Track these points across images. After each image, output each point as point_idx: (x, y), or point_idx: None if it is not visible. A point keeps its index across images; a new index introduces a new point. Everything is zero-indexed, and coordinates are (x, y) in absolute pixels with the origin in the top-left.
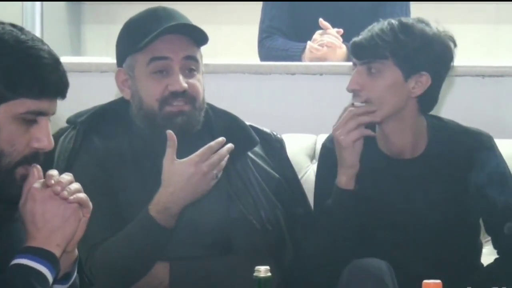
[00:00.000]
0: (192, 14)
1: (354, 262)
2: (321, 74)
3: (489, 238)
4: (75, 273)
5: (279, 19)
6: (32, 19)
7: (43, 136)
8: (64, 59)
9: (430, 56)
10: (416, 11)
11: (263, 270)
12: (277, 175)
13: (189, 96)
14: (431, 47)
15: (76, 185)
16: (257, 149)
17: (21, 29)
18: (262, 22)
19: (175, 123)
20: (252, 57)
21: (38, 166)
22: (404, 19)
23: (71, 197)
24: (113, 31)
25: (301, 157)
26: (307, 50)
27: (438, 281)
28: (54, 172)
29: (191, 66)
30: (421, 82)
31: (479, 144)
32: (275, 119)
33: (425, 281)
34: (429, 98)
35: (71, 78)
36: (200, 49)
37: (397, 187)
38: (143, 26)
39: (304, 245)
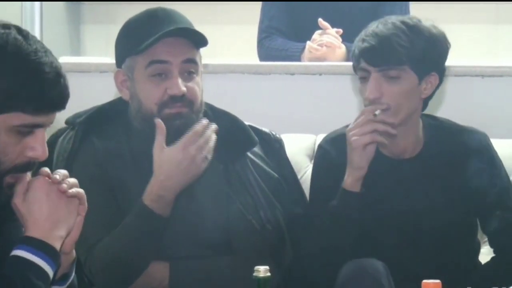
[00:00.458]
0: (192, 14)
1: (350, 262)
2: (320, 74)
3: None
4: (73, 274)
5: (278, 19)
6: (31, 19)
7: (38, 145)
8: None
9: (437, 56)
10: (416, 11)
11: (262, 270)
12: (276, 175)
13: (187, 99)
14: (438, 47)
15: (73, 180)
16: (256, 149)
17: (26, 37)
18: (261, 22)
19: (173, 126)
20: (251, 57)
21: (29, 174)
22: (406, 20)
23: (70, 191)
24: (112, 31)
25: (301, 157)
26: (306, 50)
27: (438, 281)
28: (46, 168)
29: (190, 69)
30: (431, 82)
31: (475, 143)
32: (274, 119)
33: (424, 281)
34: (430, 98)
35: (70, 79)
36: (200, 51)
37: (395, 187)
38: (142, 28)
39: (304, 245)
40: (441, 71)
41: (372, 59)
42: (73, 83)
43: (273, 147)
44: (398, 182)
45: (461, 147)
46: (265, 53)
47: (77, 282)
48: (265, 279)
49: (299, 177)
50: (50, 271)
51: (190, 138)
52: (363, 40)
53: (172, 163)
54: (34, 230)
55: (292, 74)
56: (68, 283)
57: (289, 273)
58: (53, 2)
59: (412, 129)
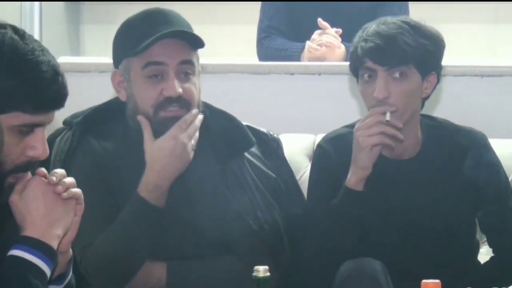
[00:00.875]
0: (191, 14)
1: (348, 262)
2: (319, 74)
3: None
4: (70, 273)
5: (277, 19)
6: (30, 19)
7: (38, 144)
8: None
9: (438, 55)
10: (415, 11)
11: (262, 270)
12: (273, 175)
13: (183, 101)
14: (439, 46)
15: (70, 179)
16: (253, 149)
17: (22, 36)
18: (260, 22)
19: (169, 128)
20: (251, 57)
21: (29, 173)
22: (406, 20)
23: (65, 194)
24: (111, 31)
25: (300, 157)
26: (306, 50)
27: (437, 280)
28: (43, 169)
29: (187, 70)
30: (431, 82)
31: (473, 143)
32: (273, 119)
33: (424, 280)
34: (427, 98)
35: (70, 78)
36: (197, 52)
37: (394, 188)
38: (139, 30)
39: (303, 246)
40: (439, 71)
41: (379, 58)
42: (73, 83)
43: (270, 147)
44: (397, 182)
45: (459, 147)
46: (264, 53)
47: (76, 282)
48: (264, 279)
49: (298, 177)
50: (47, 270)
51: (180, 127)
52: (366, 40)
53: (166, 151)
54: (31, 230)
55: (292, 74)
56: (65, 282)
57: (288, 273)
58: (52, 2)
59: (413, 129)
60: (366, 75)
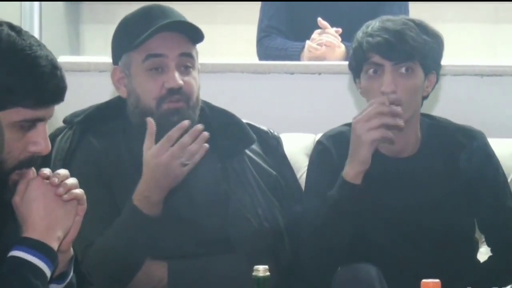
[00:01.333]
0: (191, 13)
1: (343, 268)
2: (319, 74)
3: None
4: (71, 273)
5: (277, 18)
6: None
7: (40, 139)
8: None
9: (439, 55)
10: (415, 10)
11: (262, 270)
12: (274, 173)
13: (184, 93)
14: (441, 46)
15: (72, 180)
16: (254, 146)
17: (19, 32)
18: (260, 21)
19: (171, 121)
20: (250, 56)
21: (33, 169)
22: (409, 18)
23: (66, 196)
24: (111, 30)
25: (300, 156)
26: (305, 50)
27: (437, 280)
28: (46, 170)
29: (186, 63)
30: (431, 81)
31: (471, 141)
32: (273, 119)
33: (423, 280)
34: (427, 97)
35: (69, 78)
36: (196, 47)
37: (393, 186)
38: (138, 24)
39: (301, 243)
40: (439, 70)
41: (387, 53)
42: (72, 82)
43: (271, 144)
44: (395, 181)
45: (458, 145)
46: (264, 52)
47: (77, 281)
48: (264, 278)
49: (298, 176)
50: (47, 271)
51: (162, 145)
52: (373, 35)
53: (149, 166)
54: (31, 231)
55: (292, 73)
56: (66, 281)
57: (289, 271)
58: (52, 1)
59: (413, 128)
60: (371, 70)
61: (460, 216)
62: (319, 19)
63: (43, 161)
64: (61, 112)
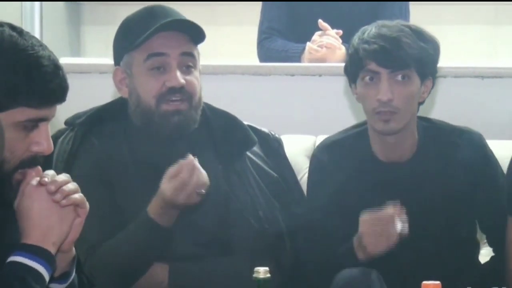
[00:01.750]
0: (191, 14)
1: (343, 272)
2: (320, 75)
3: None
4: (74, 273)
5: (278, 20)
6: (31, 19)
7: (43, 140)
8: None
9: (436, 61)
10: (415, 12)
11: (262, 271)
12: (275, 175)
13: (186, 93)
14: (437, 51)
15: (71, 186)
16: (255, 148)
17: (20, 33)
18: (261, 23)
19: (171, 123)
20: (251, 58)
21: (39, 167)
22: (406, 23)
23: (64, 201)
24: (112, 32)
25: (300, 158)
26: (306, 51)
27: (437, 282)
28: (50, 171)
29: (188, 62)
30: (427, 86)
31: (469, 143)
32: (274, 120)
33: (424, 282)
34: (423, 103)
35: (70, 79)
36: (197, 47)
37: (391, 191)
38: (139, 24)
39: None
40: (435, 76)
41: (384, 61)
42: (73, 84)
43: (272, 146)
44: (394, 186)
45: (455, 147)
46: (265, 54)
47: (78, 282)
48: (265, 280)
49: (298, 178)
50: (46, 275)
51: (180, 189)
52: (369, 42)
53: (168, 201)
54: (27, 237)
55: (292, 75)
56: (69, 281)
57: (290, 273)
58: (53, 2)
59: (410, 133)
60: (367, 78)
61: (460, 217)
62: (320, 21)
63: (45, 162)
64: (62, 113)
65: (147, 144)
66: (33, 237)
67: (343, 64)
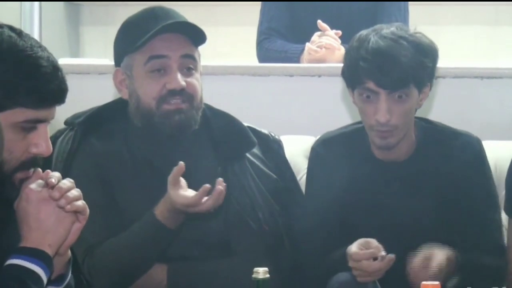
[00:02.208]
0: (191, 15)
1: (337, 275)
2: (319, 76)
3: None
4: (70, 275)
5: (277, 20)
6: (30, 20)
7: (42, 141)
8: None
9: (433, 68)
10: (414, 12)
11: (261, 272)
12: (274, 176)
13: (187, 94)
14: (434, 59)
15: (75, 192)
16: (255, 150)
17: (19, 34)
18: (260, 23)
19: (172, 121)
20: (250, 58)
21: (39, 169)
22: (402, 33)
23: (68, 206)
24: (111, 32)
25: (300, 159)
26: (305, 52)
27: (437, 282)
28: (56, 173)
29: (189, 64)
30: (425, 93)
31: (466, 148)
32: (273, 121)
33: (423, 282)
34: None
35: (69, 80)
36: (198, 49)
37: (389, 190)
38: (140, 25)
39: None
40: (433, 80)
41: (383, 82)
42: (72, 84)
43: (271, 148)
44: (390, 185)
45: (452, 151)
46: (264, 54)
47: (75, 284)
48: (264, 280)
49: (298, 178)
50: (44, 277)
51: (192, 206)
52: (367, 60)
53: (178, 207)
54: (25, 239)
55: (291, 75)
56: (65, 283)
57: (289, 274)
58: (52, 3)
59: (407, 135)
60: (365, 95)
61: (453, 218)
62: (319, 21)
63: (44, 162)
64: (61, 114)
65: (146, 145)
66: (30, 240)
67: (342, 65)
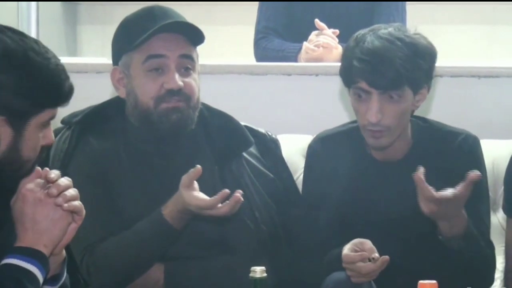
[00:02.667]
0: (188, 14)
1: (332, 275)
2: (316, 75)
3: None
4: (65, 274)
5: (275, 19)
6: (27, 19)
7: (50, 133)
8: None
9: (430, 70)
10: (412, 11)
11: (259, 271)
12: (271, 176)
13: (184, 94)
14: (431, 60)
15: (72, 192)
16: (252, 149)
17: (27, 38)
18: (258, 22)
19: (170, 120)
20: (248, 57)
21: (38, 168)
22: (399, 34)
23: (65, 205)
24: (109, 31)
25: (297, 158)
26: (303, 51)
27: (434, 281)
28: (56, 171)
29: (187, 64)
30: (422, 95)
31: (463, 146)
32: (270, 120)
33: (420, 281)
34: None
35: None
36: (196, 49)
37: (384, 189)
38: (139, 25)
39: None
40: (430, 83)
41: (375, 82)
42: None
43: (269, 147)
44: (385, 184)
45: (448, 150)
46: (261, 53)
47: (71, 284)
48: (261, 279)
49: (295, 177)
50: (40, 277)
51: (205, 209)
52: (361, 60)
53: (190, 208)
54: (20, 239)
55: (289, 74)
56: (60, 283)
57: (287, 273)
58: (49, 2)
59: (403, 135)
60: (358, 94)
61: None
62: (316, 20)
63: (41, 162)
64: (59, 113)
65: (144, 143)
66: (25, 240)
67: (339, 64)
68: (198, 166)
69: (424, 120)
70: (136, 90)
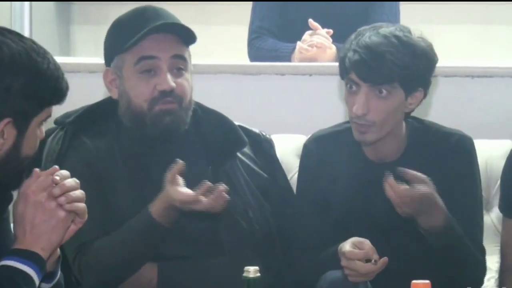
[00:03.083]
0: (182, 14)
1: (327, 274)
2: (310, 75)
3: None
4: (59, 272)
5: (268, 19)
6: (20, 19)
7: (43, 130)
8: None
9: (426, 72)
10: (406, 11)
11: (252, 271)
12: (265, 175)
13: (176, 95)
14: (428, 63)
15: (79, 194)
16: (246, 149)
17: (23, 37)
18: (251, 22)
19: (163, 123)
20: (241, 57)
21: (37, 169)
22: (398, 33)
23: (67, 205)
24: (102, 31)
25: (291, 158)
26: (296, 51)
27: (427, 281)
28: (64, 172)
29: (179, 65)
30: (417, 97)
31: (456, 147)
32: (264, 120)
33: (414, 281)
34: (413, 110)
35: None
36: (189, 49)
37: (378, 190)
38: (130, 26)
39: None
40: (427, 86)
41: (364, 75)
42: None
43: (263, 147)
44: (380, 184)
45: (442, 151)
46: (255, 53)
47: (65, 282)
48: (255, 279)
49: (289, 177)
50: (36, 279)
51: (189, 203)
52: (355, 52)
53: (175, 204)
54: (18, 242)
55: (283, 74)
56: (54, 281)
57: (280, 274)
58: (42, 2)
59: (396, 136)
60: (349, 85)
61: None
62: (310, 20)
63: (33, 162)
64: (52, 113)
65: (137, 144)
66: (23, 242)
67: (333, 64)
68: (180, 161)
69: (419, 121)
70: (129, 92)
